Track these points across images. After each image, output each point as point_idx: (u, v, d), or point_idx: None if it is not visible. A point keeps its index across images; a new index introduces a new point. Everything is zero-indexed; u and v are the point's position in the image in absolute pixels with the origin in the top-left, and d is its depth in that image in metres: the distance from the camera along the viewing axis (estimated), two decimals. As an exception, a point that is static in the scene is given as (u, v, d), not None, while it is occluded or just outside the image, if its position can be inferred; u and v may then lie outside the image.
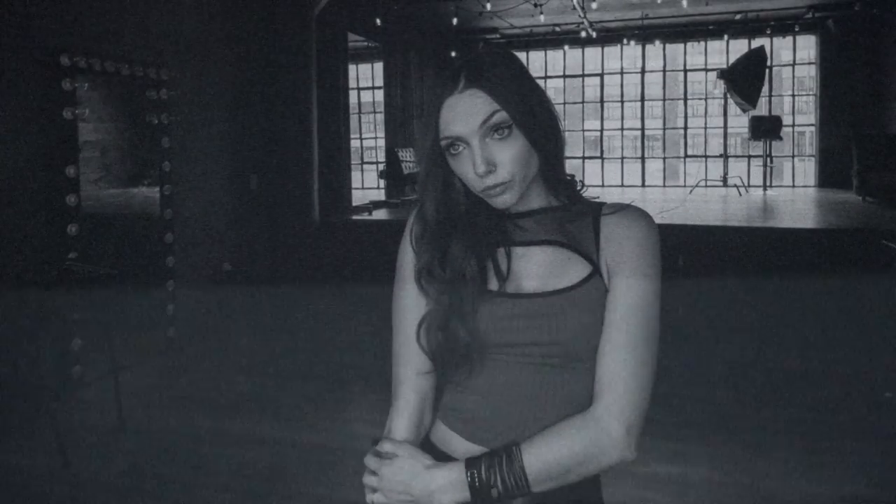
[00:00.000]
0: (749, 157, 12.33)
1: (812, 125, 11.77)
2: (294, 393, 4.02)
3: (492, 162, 0.92)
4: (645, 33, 11.38)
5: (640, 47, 12.03)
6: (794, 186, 11.72)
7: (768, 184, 10.47)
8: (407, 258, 1.03)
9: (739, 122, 14.05)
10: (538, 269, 0.98)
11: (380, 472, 0.95)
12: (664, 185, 12.87)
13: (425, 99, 0.97)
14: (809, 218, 7.38)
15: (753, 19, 10.57)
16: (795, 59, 11.93)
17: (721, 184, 10.78)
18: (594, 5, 9.12)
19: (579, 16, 9.73)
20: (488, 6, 8.93)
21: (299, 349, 4.89)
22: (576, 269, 0.96)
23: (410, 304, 1.02)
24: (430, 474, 0.92)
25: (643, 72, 12.62)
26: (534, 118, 0.93)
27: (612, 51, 12.46)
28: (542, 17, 9.60)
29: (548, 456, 0.90)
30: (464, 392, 1.00)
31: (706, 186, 11.26)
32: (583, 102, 14.41)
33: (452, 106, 0.93)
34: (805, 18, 10.30)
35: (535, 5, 8.96)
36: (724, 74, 9.97)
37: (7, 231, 3.87)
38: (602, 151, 12.56)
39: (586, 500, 0.99)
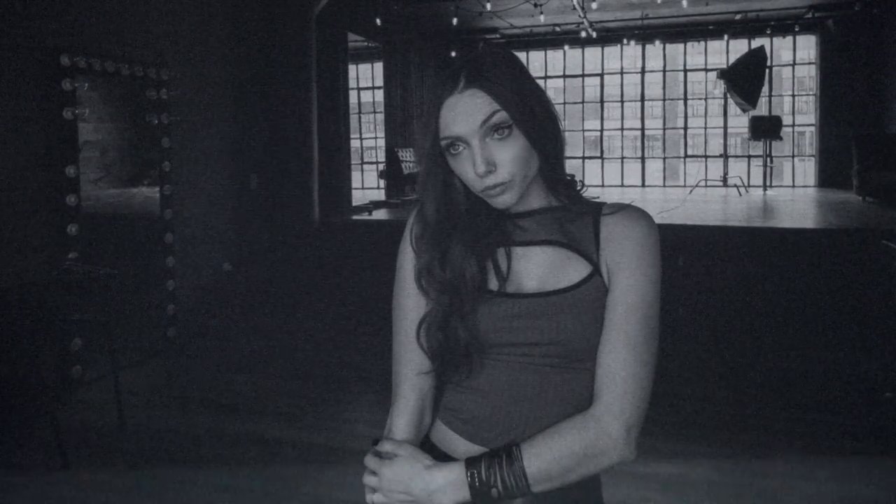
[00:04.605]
0: (749, 157, 12.33)
1: (812, 125, 11.77)
2: (294, 393, 4.02)
3: (492, 162, 0.92)
4: (645, 33, 11.38)
5: (640, 47, 12.03)
6: (794, 186, 11.72)
7: (768, 184, 10.47)
8: (407, 258, 1.03)
9: (739, 122, 14.05)
10: (538, 269, 0.98)
11: (380, 472, 0.95)
12: (664, 185, 12.87)
13: (425, 99, 0.96)
14: (809, 218, 7.38)
15: (753, 19, 10.57)
16: (795, 59, 11.93)
17: (721, 184, 10.78)
18: (594, 5, 9.12)
19: (579, 16, 9.73)
20: (488, 6, 8.93)
21: (299, 349, 4.89)
22: (576, 269, 0.96)
23: (410, 304, 1.02)
24: (430, 474, 0.92)
25: (643, 72, 12.62)
26: (534, 118, 0.93)
27: (612, 51, 12.46)
28: (542, 17, 9.60)
29: (548, 456, 0.90)
30: (464, 392, 1.00)
31: (706, 186, 11.26)
32: (583, 102, 14.40)
33: (452, 106, 0.93)
34: (805, 18, 10.30)
35: (535, 5, 8.96)
36: (724, 74, 9.97)
37: (7, 231, 3.87)
38: (602, 151, 12.56)
39: (586, 500, 0.99)
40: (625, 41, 11.62)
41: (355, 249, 6.80)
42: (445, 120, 0.94)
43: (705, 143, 12.95)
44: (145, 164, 4.90)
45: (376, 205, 8.68)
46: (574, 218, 1.00)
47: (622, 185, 12.43)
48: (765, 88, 10.48)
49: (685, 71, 12.33)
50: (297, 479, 2.95)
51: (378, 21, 8.98)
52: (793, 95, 13.66)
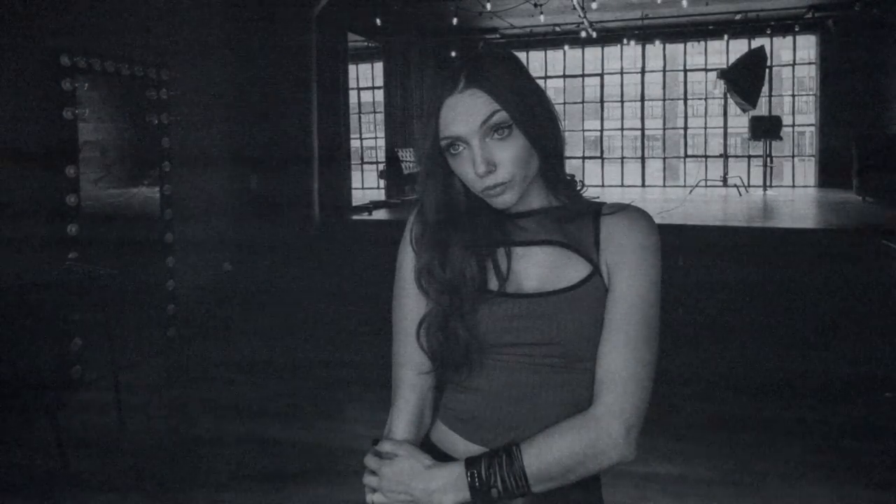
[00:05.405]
0: (749, 157, 12.33)
1: (812, 125, 11.78)
2: (294, 393, 4.02)
3: (492, 162, 0.92)
4: (645, 33, 11.38)
5: (640, 47, 12.03)
6: (794, 186, 11.73)
7: (768, 184, 10.48)
8: (407, 258, 1.03)
9: (739, 122, 14.05)
10: (538, 269, 0.97)
11: (380, 472, 0.95)
12: (664, 185, 12.88)
13: (425, 99, 0.97)
14: (809, 218, 7.38)
15: (753, 19, 10.57)
16: (795, 59, 11.94)
17: (721, 184, 10.78)
18: (594, 5, 9.12)
19: (579, 16, 9.73)
20: (488, 6, 8.93)
21: (299, 349, 4.89)
22: (576, 269, 0.96)
23: (410, 304, 1.02)
24: (430, 474, 0.92)
25: (643, 72, 12.62)
26: (534, 118, 0.93)
27: (612, 51, 12.46)
28: (542, 17, 9.60)
29: (548, 456, 0.90)
30: (464, 392, 1.00)
31: (706, 186, 11.26)
32: (583, 102, 14.41)
33: (452, 106, 0.93)
34: (805, 18, 10.30)
35: (535, 5, 8.96)
36: (724, 74, 9.98)
37: (7, 231, 3.86)
38: (602, 151, 12.56)
39: (586, 500, 0.99)
40: (625, 41, 11.62)
41: (355, 249, 6.80)
42: (445, 120, 0.93)
43: (705, 143, 12.96)
44: (145, 164, 4.89)
45: (376, 205, 8.68)
46: (574, 218, 1.00)
47: (622, 185, 12.44)
48: (765, 88, 10.49)
49: (685, 71, 12.33)
50: (297, 479, 2.95)
51: (378, 21, 8.98)
52: (793, 95, 13.65)
